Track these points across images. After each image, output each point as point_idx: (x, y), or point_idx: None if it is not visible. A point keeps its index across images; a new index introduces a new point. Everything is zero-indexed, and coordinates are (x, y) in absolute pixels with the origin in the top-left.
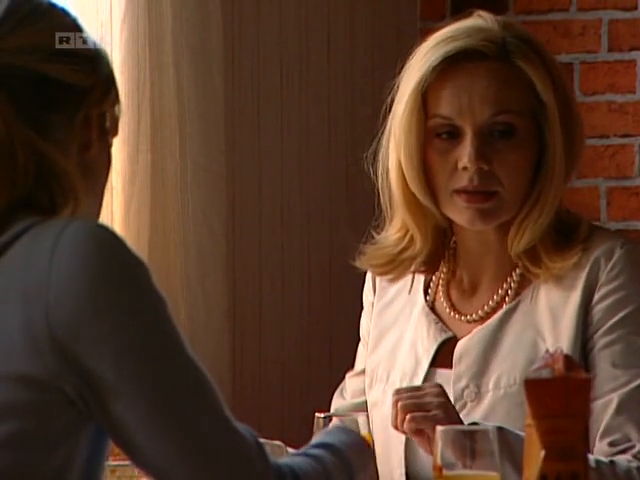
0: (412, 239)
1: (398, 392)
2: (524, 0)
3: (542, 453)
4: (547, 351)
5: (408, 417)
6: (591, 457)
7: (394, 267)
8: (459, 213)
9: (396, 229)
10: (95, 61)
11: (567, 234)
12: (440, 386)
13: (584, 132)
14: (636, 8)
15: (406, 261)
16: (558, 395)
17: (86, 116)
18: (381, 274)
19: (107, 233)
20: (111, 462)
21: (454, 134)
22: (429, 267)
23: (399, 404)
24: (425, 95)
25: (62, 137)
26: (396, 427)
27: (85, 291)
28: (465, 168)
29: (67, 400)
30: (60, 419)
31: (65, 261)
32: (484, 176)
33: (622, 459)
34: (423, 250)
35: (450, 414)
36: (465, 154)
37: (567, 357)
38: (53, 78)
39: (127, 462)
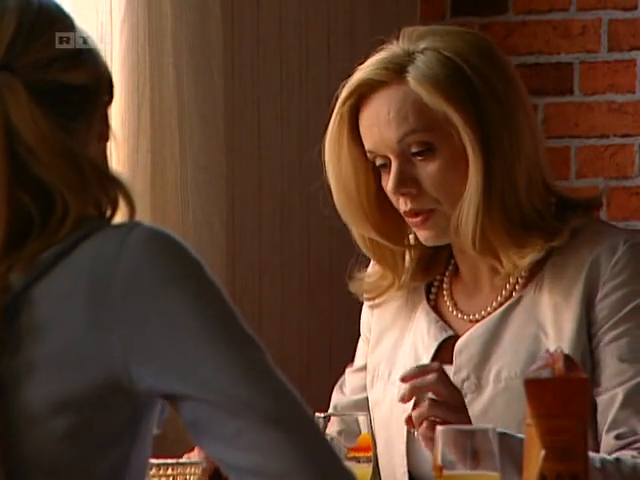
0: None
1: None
2: (524, 0)
3: (542, 453)
4: (547, 351)
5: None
6: (596, 456)
7: (381, 292)
8: (417, 233)
9: (376, 269)
10: (99, 58)
11: (538, 231)
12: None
13: (518, 130)
14: (636, 8)
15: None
16: (558, 395)
17: (102, 113)
18: (372, 300)
19: (170, 235)
20: None
21: (386, 164)
22: (427, 275)
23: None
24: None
25: (85, 139)
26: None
27: (151, 282)
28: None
29: (130, 395)
30: (120, 416)
31: (132, 257)
32: (415, 198)
33: (627, 456)
34: (413, 277)
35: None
36: (389, 183)
37: (567, 357)
38: (74, 85)
39: None
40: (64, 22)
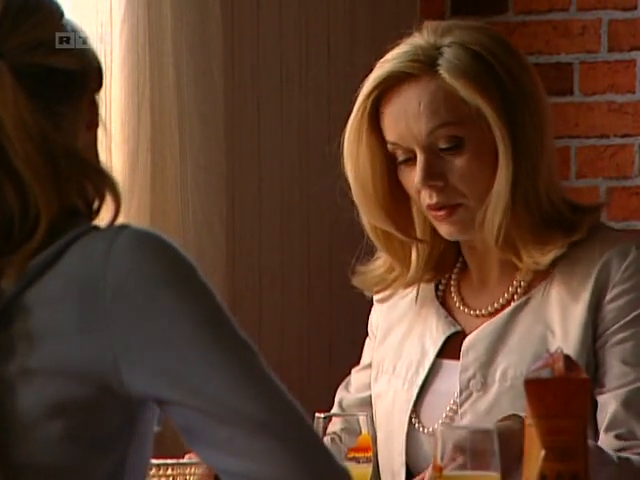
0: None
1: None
2: (524, 0)
3: (542, 453)
4: (547, 351)
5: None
6: (610, 451)
7: (387, 285)
8: (438, 227)
9: (383, 261)
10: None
11: (557, 228)
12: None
13: (542, 125)
14: (636, 8)
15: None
16: (558, 395)
17: (90, 99)
18: (377, 293)
19: (160, 237)
20: None
21: (410, 157)
22: (436, 274)
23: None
24: (380, 121)
25: (73, 126)
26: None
27: (141, 285)
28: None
29: (122, 397)
30: (114, 418)
31: (121, 260)
32: (442, 192)
33: (634, 457)
34: (420, 275)
35: None
36: (416, 176)
37: (567, 357)
38: (60, 69)
39: None
40: (51, 8)
